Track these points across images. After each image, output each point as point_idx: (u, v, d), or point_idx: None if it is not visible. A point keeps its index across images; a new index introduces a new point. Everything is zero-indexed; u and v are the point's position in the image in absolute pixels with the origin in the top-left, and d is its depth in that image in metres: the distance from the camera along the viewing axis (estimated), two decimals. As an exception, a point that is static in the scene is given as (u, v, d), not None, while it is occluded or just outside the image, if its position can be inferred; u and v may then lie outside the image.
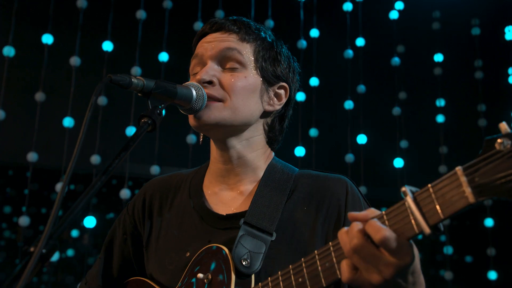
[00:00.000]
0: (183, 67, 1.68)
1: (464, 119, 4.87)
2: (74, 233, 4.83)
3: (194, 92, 1.38)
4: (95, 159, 3.73)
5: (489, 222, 4.33)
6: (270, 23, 4.07)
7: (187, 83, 1.41)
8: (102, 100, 3.84)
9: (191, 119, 1.45)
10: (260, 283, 1.28)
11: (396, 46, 4.51)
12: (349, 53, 4.34)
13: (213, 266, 1.35)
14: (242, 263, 1.33)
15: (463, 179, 0.91)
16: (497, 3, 4.84)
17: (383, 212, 1.03)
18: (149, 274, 1.54)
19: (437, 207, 0.94)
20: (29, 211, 3.76)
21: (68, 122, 3.73)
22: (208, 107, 1.42)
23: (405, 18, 4.57)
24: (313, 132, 4.18)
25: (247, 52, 1.49)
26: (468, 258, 5.31)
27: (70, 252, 4.86)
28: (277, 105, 1.55)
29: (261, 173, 1.53)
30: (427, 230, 0.95)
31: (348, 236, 1.03)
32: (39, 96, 3.71)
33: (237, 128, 1.48)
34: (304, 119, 4.12)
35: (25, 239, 3.92)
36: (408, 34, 4.58)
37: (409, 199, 0.97)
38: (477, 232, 4.61)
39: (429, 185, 0.96)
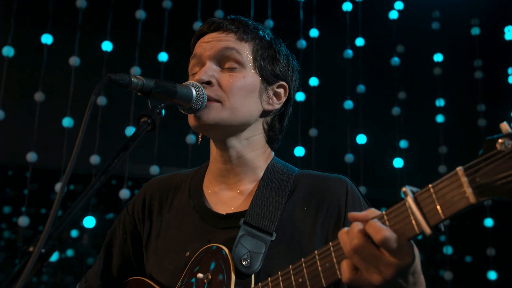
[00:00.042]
0: (182, 67, 1.67)
1: (464, 119, 4.86)
2: (74, 233, 4.83)
3: (194, 92, 1.38)
4: (94, 159, 3.73)
5: (488, 222, 4.33)
6: (269, 23, 4.06)
7: (187, 82, 1.41)
8: (101, 100, 3.83)
9: (191, 119, 1.45)
10: (260, 283, 1.27)
11: (395, 46, 4.50)
12: (349, 53, 4.33)
13: (212, 266, 1.35)
14: (242, 263, 1.33)
15: (464, 179, 0.90)
16: (497, 3, 4.84)
17: (384, 212, 1.02)
18: (149, 274, 1.54)
19: (438, 207, 0.93)
20: (28, 211, 3.75)
21: (67, 122, 3.72)
22: (208, 107, 1.42)
23: (404, 18, 4.56)
24: (313, 132, 4.18)
25: (245, 51, 1.49)
26: (468, 258, 5.30)
27: (69, 252, 4.85)
28: (277, 104, 1.55)
29: (261, 173, 1.53)
30: (427, 230, 0.95)
31: (348, 237, 1.03)
32: (39, 96, 3.71)
33: (237, 128, 1.47)
34: (304, 119, 4.12)
35: (24, 239, 3.92)
36: (408, 34, 4.58)
37: (409, 199, 0.97)
38: (477, 232, 4.60)
39: (430, 185, 0.96)
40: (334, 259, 1.09)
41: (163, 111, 1.28)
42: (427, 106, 4.70)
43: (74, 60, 3.79)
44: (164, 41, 4.00)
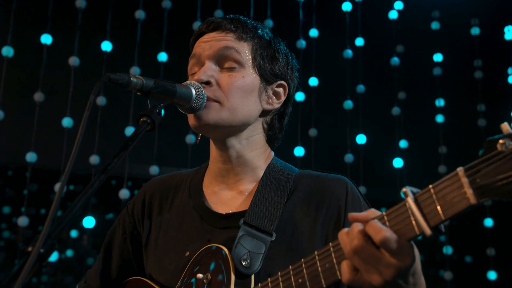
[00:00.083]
0: (182, 67, 1.67)
1: (464, 119, 4.86)
2: (73, 233, 4.83)
3: (193, 91, 1.37)
4: (94, 159, 3.73)
5: (488, 222, 4.33)
6: (269, 23, 4.06)
7: (186, 82, 1.40)
8: (101, 100, 3.83)
9: (191, 119, 1.45)
10: (259, 284, 1.27)
11: (395, 46, 4.50)
12: (349, 53, 4.33)
13: (212, 266, 1.35)
14: (242, 263, 1.33)
15: (465, 180, 0.90)
16: (497, 3, 4.84)
17: (384, 212, 1.02)
18: (148, 274, 1.54)
19: (438, 208, 0.93)
20: (28, 211, 3.75)
21: (67, 122, 3.72)
22: (207, 107, 1.41)
23: (404, 18, 4.56)
24: (313, 132, 4.18)
25: (244, 50, 1.49)
26: (468, 258, 5.30)
27: (69, 253, 4.85)
28: (276, 104, 1.54)
29: (260, 173, 1.52)
30: (428, 231, 0.94)
31: (348, 237, 1.03)
32: (38, 96, 3.70)
33: (236, 128, 1.47)
34: (304, 119, 4.12)
35: (24, 240, 3.92)
36: (408, 34, 4.57)
37: (410, 200, 0.97)
38: (477, 232, 4.60)
39: (430, 186, 0.95)
40: (334, 260, 1.09)
41: (162, 111, 1.27)
42: (427, 106, 4.70)
43: (73, 60, 3.78)
44: (163, 41, 4.00)
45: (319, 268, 1.11)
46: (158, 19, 4.03)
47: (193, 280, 1.37)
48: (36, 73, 3.80)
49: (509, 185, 0.86)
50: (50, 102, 3.85)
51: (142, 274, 1.58)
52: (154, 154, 3.88)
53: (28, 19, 4.11)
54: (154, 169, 3.83)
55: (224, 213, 1.47)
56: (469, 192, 0.89)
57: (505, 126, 0.88)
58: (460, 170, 0.91)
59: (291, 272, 1.18)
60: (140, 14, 3.95)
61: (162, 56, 4.00)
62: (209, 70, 1.45)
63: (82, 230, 4.70)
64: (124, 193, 3.70)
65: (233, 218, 1.45)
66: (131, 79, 1.22)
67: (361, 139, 4.29)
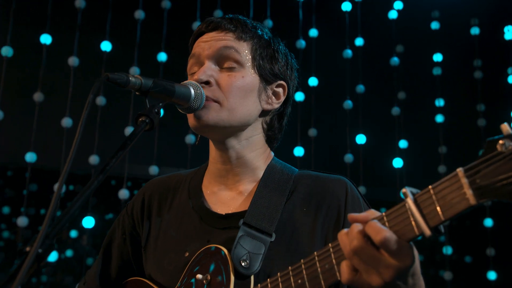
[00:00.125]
0: (182, 67, 1.67)
1: (464, 119, 4.86)
2: (73, 233, 4.83)
3: (192, 91, 1.37)
4: (93, 159, 3.72)
5: (488, 222, 4.33)
6: (269, 22, 4.06)
7: (185, 81, 1.40)
8: (100, 100, 3.83)
9: (191, 120, 1.44)
10: (259, 284, 1.27)
11: (395, 46, 4.50)
12: (348, 53, 4.33)
13: (212, 267, 1.34)
14: (241, 264, 1.32)
15: (464, 180, 0.90)
16: (497, 3, 4.84)
17: (383, 213, 1.02)
18: (148, 275, 1.54)
19: (438, 208, 0.93)
20: (27, 211, 3.75)
21: (66, 122, 3.72)
22: (207, 108, 1.41)
23: (404, 18, 4.56)
24: (312, 132, 4.18)
25: (244, 50, 1.48)
26: (468, 258, 5.30)
27: (69, 253, 4.85)
28: (276, 104, 1.54)
29: (260, 173, 1.52)
30: (427, 232, 0.94)
31: (348, 238, 1.02)
32: (38, 96, 3.70)
33: (236, 129, 1.47)
34: (303, 119, 4.11)
35: (24, 240, 3.91)
36: (407, 34, 4.57)
37: (409, 201, 0.97)
38: (477, 232, 4.60)
39: (430, 187, 0.95)
40: (334, 261, 1.08)
41: (161, 111, 1.27)
42: (427, 106, 4.70)
43: (73, 60, 3.78)
44: (163, 41, 4.00)
45: (319, 269, 1.11)
46: (158, 19, 4.03)
47: (192, 280, 1.36)
48: (35, 73, 3.80)
49: (509, 186, 0.85)
50: (49, 102, 3.85)
51: (141, 274, 1.58)
52: (154, 154, 3.88)
53: (27, 19, 4.11)
54: (153, 169, 3.83)
55: (224, 214, 1.47)
56: (469, 192, 0.89)
57: (505, 126, 0.88)
58: (460, 170, 0.91)
59: (290, 272, 1.18)
60: (139, 14, 3.95)
61: (162, 56, 4.00)
62: (209, 70, 1.45)
63: (81, 230, 4.70)
64: (123, 193, 3.69)
65: (232, 219, 1.44)
66: (130, 78, 1.21)
67: (361, 139, 4.29)
